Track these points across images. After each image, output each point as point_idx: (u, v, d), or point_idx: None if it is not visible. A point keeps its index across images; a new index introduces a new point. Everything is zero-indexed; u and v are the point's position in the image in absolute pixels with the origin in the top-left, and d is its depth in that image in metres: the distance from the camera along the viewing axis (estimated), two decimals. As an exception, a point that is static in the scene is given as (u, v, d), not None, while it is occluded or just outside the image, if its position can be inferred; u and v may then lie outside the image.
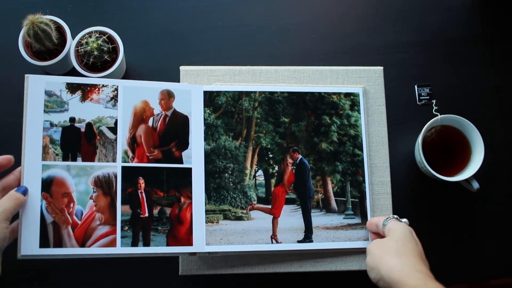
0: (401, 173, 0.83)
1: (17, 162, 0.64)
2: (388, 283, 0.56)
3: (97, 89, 0.68)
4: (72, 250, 0.63)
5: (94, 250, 0.63)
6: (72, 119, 0.67)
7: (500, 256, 0.82)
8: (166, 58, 0.86)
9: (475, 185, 0.78)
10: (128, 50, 0.82)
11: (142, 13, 0.88)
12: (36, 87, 0.65)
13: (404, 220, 0.67)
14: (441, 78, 0.87)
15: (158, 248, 0.66)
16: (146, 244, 0.65)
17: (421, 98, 0.86)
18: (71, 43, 0.78)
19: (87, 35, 0.78)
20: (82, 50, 0.77)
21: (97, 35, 0.78)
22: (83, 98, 0.68)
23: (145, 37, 0.87)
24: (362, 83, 0.80)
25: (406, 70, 0.88)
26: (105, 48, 0.78)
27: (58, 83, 0.66)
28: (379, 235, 0.69)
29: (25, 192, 0.62)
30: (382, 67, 0.81)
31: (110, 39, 0.79)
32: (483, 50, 0.89)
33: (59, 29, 0.78)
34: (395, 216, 0.67)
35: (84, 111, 0.67)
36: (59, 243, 0.62)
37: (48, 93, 0.66)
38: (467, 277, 0.82)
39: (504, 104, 0.87)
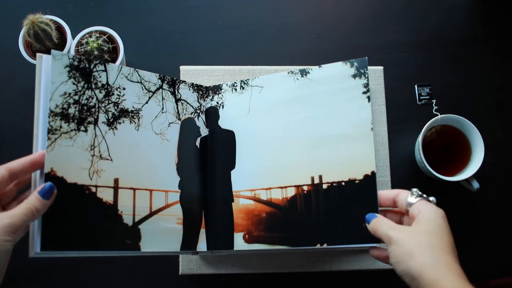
0: (401, 173, 0.83)
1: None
2: (417, 281, 0.50)
3: None
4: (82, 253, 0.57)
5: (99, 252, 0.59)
6: None
7: (500, 256, 0.82)
8: (166, 58, 0.86)
9: (475, 185, 0.78)
10: (128, 50, 0.82)
11: (142, 13, 0.88)
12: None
13: (432, 199, 0.57)
14: (441, 78, 0.87)
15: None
16: None
17: (421, 98, 0.86)
18: (71, 43, 0.78)
19: (87, 35, 0.78)
20: (82, 49, 0.77)
21: (97, 35, 0.78)
22: None
23: (145, 37, 0.87)
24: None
25: (406, 70, 0.88)
26: (105, 48, 0.78)
27: None
28: (394, 211, 0.62)
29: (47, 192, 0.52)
30: (382, 67, 0.81)
31: (110, 39, 0.79)
32: (483, 50, 0.89)
33: (59, 28, 0.78)
34: (420, 192, 0.58)
35: None
36: None
37: None
38: (467, 277, 0.81)
39: (504, 104, 0.87)
